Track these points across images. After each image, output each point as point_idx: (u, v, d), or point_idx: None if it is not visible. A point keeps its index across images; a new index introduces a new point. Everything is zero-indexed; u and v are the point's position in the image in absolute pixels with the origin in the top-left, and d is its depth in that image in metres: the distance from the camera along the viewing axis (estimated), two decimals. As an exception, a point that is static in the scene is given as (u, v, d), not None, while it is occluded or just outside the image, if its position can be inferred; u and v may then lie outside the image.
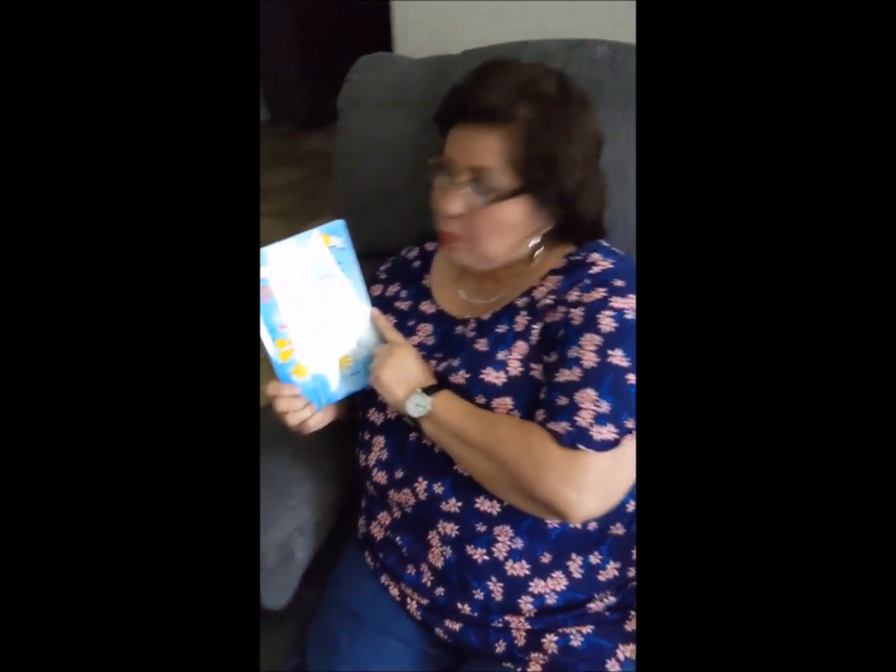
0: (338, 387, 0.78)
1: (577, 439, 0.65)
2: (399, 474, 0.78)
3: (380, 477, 0.80)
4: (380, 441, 0.81)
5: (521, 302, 0.78)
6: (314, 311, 0.75)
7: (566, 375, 0.68)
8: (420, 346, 0.82)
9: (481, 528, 0.74)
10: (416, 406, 0.73)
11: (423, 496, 0.76)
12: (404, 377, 0.74)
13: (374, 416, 0.83)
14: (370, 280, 0.92)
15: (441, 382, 0.76)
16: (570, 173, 0.73)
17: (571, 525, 0.72)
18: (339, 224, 0.74)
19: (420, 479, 0.76)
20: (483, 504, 0.74)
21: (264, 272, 0.70)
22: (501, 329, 0.76)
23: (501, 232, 0.74)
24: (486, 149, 0.72)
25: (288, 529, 0.84)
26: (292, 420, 0.76)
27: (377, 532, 0.83)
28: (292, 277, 0.72)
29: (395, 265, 0.94)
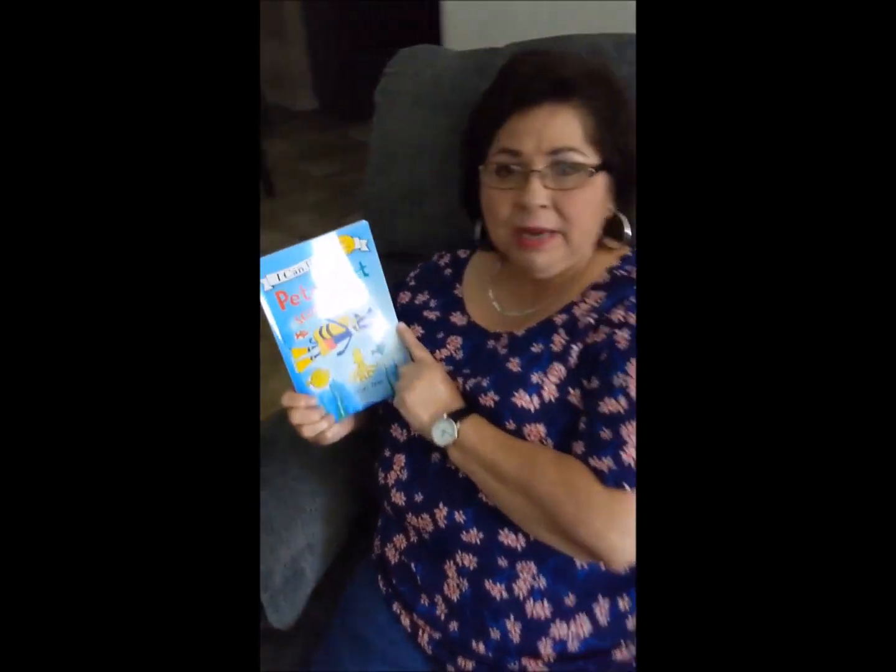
0: (358, 397, 0.74)
1: (622, 478, 0.59)
2: (418, 497, 0.73)
3: (398, 498, 0.75)
4: (400, 460, 0.76)
5: (559, 319, 0.72)
6: (335, 317, 0.70)
7: (610, 406, 0.62)
8: (448, 360, 0.76)
9: (502, 562, 0.69)
10: (443, 433, 0.68)
11: (442, 523, 0.71)
12: (430, 400, 0.70)
13: (397, 433, 0.78)
14: (398, 286, 0.88)
15: (468, 402, 0.70)
16: (633, 146, 0.70)
17: (602, 567, 0.66)
18: (362, 226, 0.69)
19: (441, 504, 0.71)
20: (507, 537, 0.68)
21: (281, 277, 0.66)
22: (536, 348, 0.70)
23: (594, 212, 0.70)
24: (568, 127, 0.67)
25: (298, 546, 0.80)
26: (308, 432, 0.71)
27: (392, 555, 0.78)
28: (312, 283, 0.68)
29: (424, 271, 0.89)
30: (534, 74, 0.68)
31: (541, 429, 0.66)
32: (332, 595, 0.83)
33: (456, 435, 0.67)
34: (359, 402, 0.74)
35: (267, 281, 0.65)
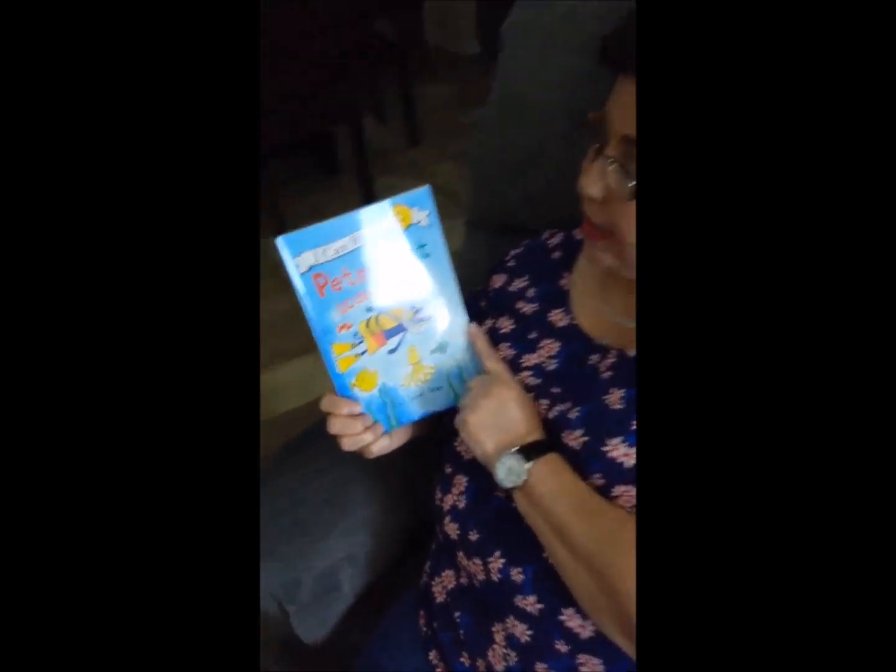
0: (413, 405, 0.60)
1: None
2: (473, 535, 0.59)
3: (451, 528, 0.61)
4: (461, 482, 0.62)
5: None
6: (387, 308, 0.56)
7: None
8: (535, 371, 0.60)
9: (562, 647, 0.53)
10: (508, 471, 0.53)
11: (495, 576, 0.56)
12: (499, 425, 0.55)
13: (462, 447, 0.64)
14: (494, 266, 0.72)
15: (549, 436, 0.55)
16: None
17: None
18: (423, 193, 0.54)
19: (497, 553, 0.57)
20: (571, 619, 0.53)
21: (320, 256, 0.53)
22: None
23: None
24: None
25: (336, 556, 0.69)
26: (349, 445, 0.59)
27: (438, 592, 0.65)
28: (358, 264, 0.54)
29: (528, 252, 0.72)
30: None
31: (635, 494, 0.49)
32: (374, 614, 0.72)
33: (525, 476, 0.52)
34: (414, 411, 0.60)
35: (303, 261, 0.52)
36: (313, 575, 0.67)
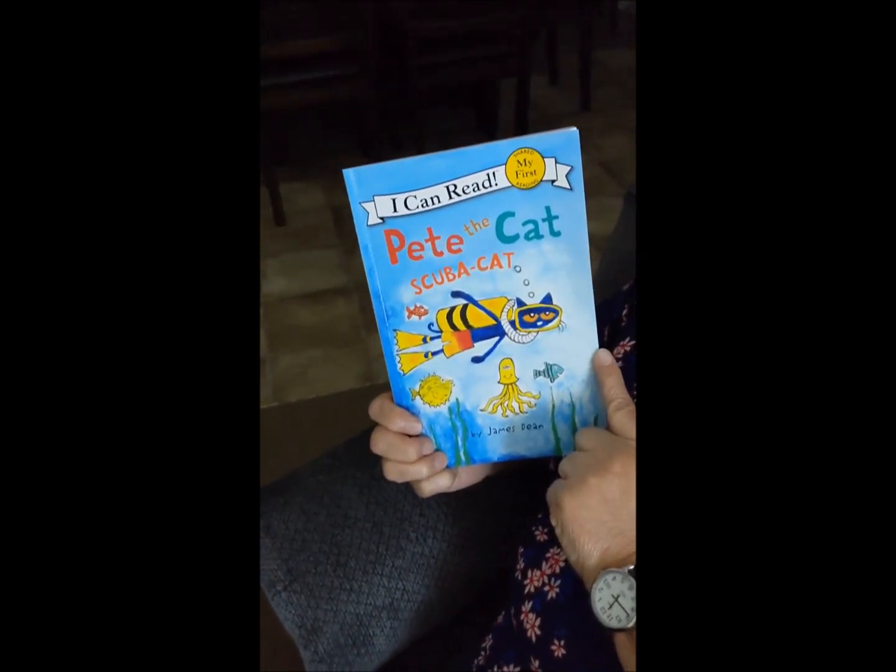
0: (494, 442, 0.43)
1: None
2: (559, 649, 0.42)
3: (530, 622, 0.44)
4: (557, 561, 0.44)
5: None
6: (482, 296, 0.39)
7: None
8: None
9: None
10: (612, 601, 0.35)
11: None
12: (612, 525, 0.36)
13: None
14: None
15: None
16: None
17: None
18: (567, 137, 0.35)
19: None
20: None
21: (400, 206, 0.36)
22: None
23: None
24: None
25: (374, 602, 0.53)
26: (393, 474, 0.43)
27: (492, 692, 0.48)
28: (451, 226, 0.37)
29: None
30: None
31: None
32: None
33: (636, 617, 0.34)
34: (492, 449, 0.43)
35: (375, 207, 0.36)
36: (339, 622, 0.52)
